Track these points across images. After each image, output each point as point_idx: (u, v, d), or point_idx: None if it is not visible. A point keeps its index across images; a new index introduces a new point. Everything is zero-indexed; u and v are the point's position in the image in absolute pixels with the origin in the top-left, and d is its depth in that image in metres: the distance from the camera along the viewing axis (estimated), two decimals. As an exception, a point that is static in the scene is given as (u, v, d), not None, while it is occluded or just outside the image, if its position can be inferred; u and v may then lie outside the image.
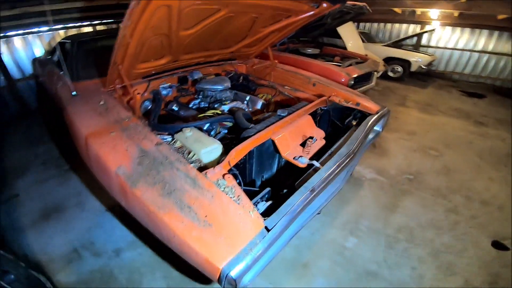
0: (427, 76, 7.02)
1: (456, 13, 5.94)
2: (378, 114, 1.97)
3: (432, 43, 7.17)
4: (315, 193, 1.17)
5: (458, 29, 6.64)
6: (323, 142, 1.61)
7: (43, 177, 2.76)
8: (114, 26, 5.20)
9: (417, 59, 5.94)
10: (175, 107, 1.95)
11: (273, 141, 1.45)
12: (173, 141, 1.42)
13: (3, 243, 2.01)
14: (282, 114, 1.63)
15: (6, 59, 4.00)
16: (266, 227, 0.99)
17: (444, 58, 7.11)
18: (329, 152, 1.48)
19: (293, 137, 1.52)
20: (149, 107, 1.99)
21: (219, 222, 0.96)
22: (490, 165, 3.24)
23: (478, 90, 6.22)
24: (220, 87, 2.08)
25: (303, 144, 1.53)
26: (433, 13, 6.35)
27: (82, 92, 1.82)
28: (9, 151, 3.23)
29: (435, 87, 6.32)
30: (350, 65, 3.86)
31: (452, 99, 5.54)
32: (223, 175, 1.12)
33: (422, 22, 6.91)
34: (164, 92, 2.06)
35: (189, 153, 1.33)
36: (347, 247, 2.07)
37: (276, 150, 1.49)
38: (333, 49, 4.92)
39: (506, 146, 3.74)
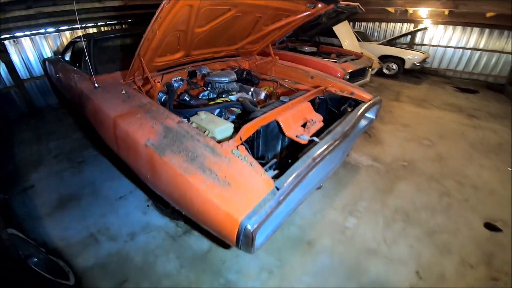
0: (422, 73, 7.34)
1: (446, 12, 6.25)
2: (371, 101, 2.21)
3: (426, 41, 7.50)
4: (316, 161, 1.39)
5: (450, 27, 6.97)
6: (322, 124, 1.84)
7: (57, 169, 2.92)
8: (117, 27, 5.47)
9: (411, 57, 6.26)
10: (186, 97, 2.17)
11: (277, 122, 1.68)
12: (190, 123, 1.64)
13: (23, 231, 2.17)
14: (284, 100, 1.86)
15: (15, 59, 4.23)
16: (276, 187, 1.20)
17: (437, 56, 7.44)
18: (327, 131, 1.70)
19: (295, 119, 1.75)
20: (163, 98, 2.22)
21: (236, 182, 1.17)
22: (481, 153, 3.47)
23: (471, 86, 6.51)
24: (227, 79, 2.32)
25: (303, 126, 1.76)
26: (423, 11, 6.65)
27: (102, 84, 2.04)
28: (21, 147, 3.40)
29: (429, 84, 6.60)
30: (346, 61, 4.14)
31: (446, 95, 5.79)
32: (237, 146, 1.34)
33: (414, 21, 7.24)
34: (176, 85, 2.29)
35: (204, 132, 1.55)
36: (347, 227, 2.23)
37: (280, 131, 1.72)
38: (330, 47, 5.21)
39: (497, 137, 3.97)
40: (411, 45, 7.56)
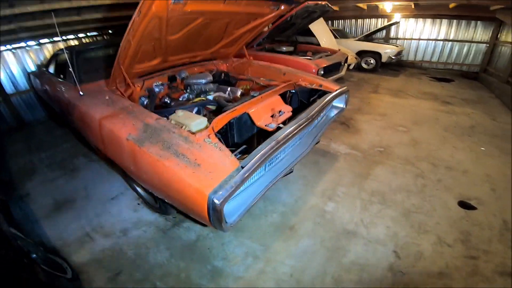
0: (400, 66, 7.79)
1: (412, 5, 6.69)
2: (337, 91, 2.46)
3: (400, 35, 7.98)
4: (280, 143, 1.62)
5: (421, 20, 7.46)
6: (290, 114, 2.07)
7: (50, 177, 3.06)
8: (99, 38, 5.66)
9: (386, 50, 6.65)
10: (167, 100, 2.39)
11: (248, 114, 1.91)
12: (169, 121, 1.85)
13: (21, 232, 2.33)
14: (255, 94, 2.10)
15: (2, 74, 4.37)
16: (241, 166, 1.41)
17: (412, 49, 7.93)
18: (293, 119, 1.93)
19: (265, 111, 1.98)
20: (145, 102, 2.42)
21: (206, 163, 1.37)
22: (455, 136, 3.69)
23: (446, 75, 6.93)
24: (203, 81, 2.55)
25: (272, 116, 1.99)
26: (388, 5, 7.10)
27: (87, 92, 2.24)
28: (14, 158, 3.53)
29: (406, 76, 7.00)
30: (321, 57, 4.43)
31: (422, 84, 6.16)
32: (208, 135, 1.56)
33: (385, 15, 7.72)
34: (157, 89, 2.50)
35: (182, 126, 1.76)
36: (327, 211, 2.39)
37: (252, 122, 1.94)
38: (307, 45, 5.54)
39: (470, 120, 4.25)
40: (387, 40, 8.03)
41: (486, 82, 6.15)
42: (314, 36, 5.71)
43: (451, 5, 6.10)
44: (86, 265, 2.01)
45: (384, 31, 8.03)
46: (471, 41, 7.02)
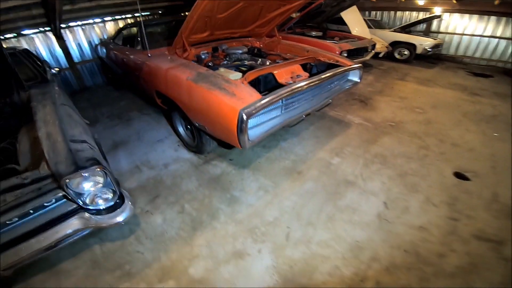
0: (438, 59, 7.96)
1: (454, 0, 6.88)
2: (351, 66, 3.13)
3: (442, 29, 8.13)
4: (292, 90, 2.35)
5: (467, 16, 7.56)
6: (307, 77, 2.81)
7: (110, 125, 4.09)
8: (150, 17, 6.80)
9: (421, 42, 6.96)
10: (211, 64, 3.26)
11: (273, 74, 2.69)
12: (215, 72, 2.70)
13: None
14: (279, 61, 2.87)
15: (70, 45, 5.64)
16: (262, 99, 2.19)
17: (454, 43, 8.04)
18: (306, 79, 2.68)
19: (286, 73, 2.75)
20: (195, 65, 3.32)
21: (239, 94, 2.15)
22: (471, 121, 3.88)
23: (486, 71, 6.98)
24: (240, 51, 3.38)
25: (292, 78, 2.75)
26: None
27: (153, 55, 3.18)
28: (80, 112, 4.62)
29: (441, 68, 7.18)
30: (347, 42, 5.03)
31: (455, 77, 6.32)
32: (242, 82, 2.37)
33: (426, 9, 7.94)
34: (203, 56, 3.38)
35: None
36: (332, 163, 2.91)
37: (275, 80, 2.72)
38: (337, 32, 6.12)
39: (494, 110, 4.34)
40: (427, 33, 8.21)
41: (529, 80, 6.19)
42: (347, 24, 6.29)
43: (497, 1, 6.26)
44: (133, 189, 2.62)
45: (425, 24, 8.25)
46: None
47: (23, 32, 5.04)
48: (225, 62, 3.42)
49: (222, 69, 2.69)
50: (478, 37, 7.61)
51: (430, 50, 6.96)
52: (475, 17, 7.45)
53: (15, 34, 4.98)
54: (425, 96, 4.96)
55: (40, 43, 5.29)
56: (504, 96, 5.04)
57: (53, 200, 1.47)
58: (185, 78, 2.47)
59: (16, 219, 1.37)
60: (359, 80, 3.38)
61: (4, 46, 4.73)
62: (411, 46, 7.14)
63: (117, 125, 4.10)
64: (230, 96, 2.15)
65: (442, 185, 2.57)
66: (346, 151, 3.15)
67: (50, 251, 1.49)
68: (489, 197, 2.45)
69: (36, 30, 5.16)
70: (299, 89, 2.43)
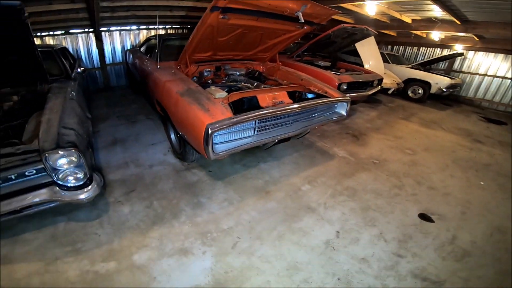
0: (455, 101, 7.76)
1: (474, 37, 6.65)
2: (336, 98, 3.33)
3: (464, 69, 7.93)
4: (264, 114, 2.61)
5: (492, 55, 7.30)
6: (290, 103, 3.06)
7: (116, 123, 4.58)
8: (179, 30, 7.48)
9: (437, 81, 6.83)
10: (210, 82, 3.63)
11: (256, 97, 2.98)
12: (205, 90, 3.05)
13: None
14: (266, 86, 3.16)
15: (106, 48, 6.38)
16: (232, 117, 2.46)
17: (474, 85, 7.79)
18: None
19: (269, 98, 3.02)
20: (195, 79, 3.72)
21: (213, 111, 2.44)
22: (460, 168, 3.84)
23: (502, 118, 6.73)
24: (238, 73, 3.74)
25: (274, 103, 3.02)
26: (435, 35, 7.04)
27: (162, 67, 3.63)
28: (97, 108, 5.27)
29: (454, 111, 6.98)
30: (350, 75, 5.20)
31: (465, 122, 6.15)
32: (222, 101, 2.68)
33: (447, 46, 7.77)
34: (205, 73, 3.77)
35: (210, 94, 2.93)
36: (301, 189, 3.04)
37: (258, 104, 3.00)
38: (346, 64, 6.23)
39: (490, 159, 4.28)
40: (448, 72, 8.07)
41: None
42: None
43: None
44: (115, 181, 2.94)
45: (447, 62, 8.12)
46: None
47: (71, 31, 5.86)
48: (224, 80, 3.79)
49: (212, 87, 3.03)
50: (500, 79, 7.32)
51: (445, 90, 6.83)
52: (500, 56, 7.19)
53: (63, 32, 5.80)
54: (422, 138, 4.95)
55: (82, 42, 6.10)
56: (507, 146, 4.93)
57: (34, 171, 1.83)
58: (175, 91, 2.84)
59: (0, 181, 1.74)
60: (345, 114, 3.56)
61: (51, 42, 5.53)
62: (426, 85, 7.04)
63: (122, 124, 4.58)
64: (204, 111, 2.46)
65: (401, 223, 2.62)
66: (319, 181, 3.27)
67: (13, 216, 1.80)
68: (446, 239, 2.48)
69: (81, 30, 6.02)
70: (271, 114, 2.69)
